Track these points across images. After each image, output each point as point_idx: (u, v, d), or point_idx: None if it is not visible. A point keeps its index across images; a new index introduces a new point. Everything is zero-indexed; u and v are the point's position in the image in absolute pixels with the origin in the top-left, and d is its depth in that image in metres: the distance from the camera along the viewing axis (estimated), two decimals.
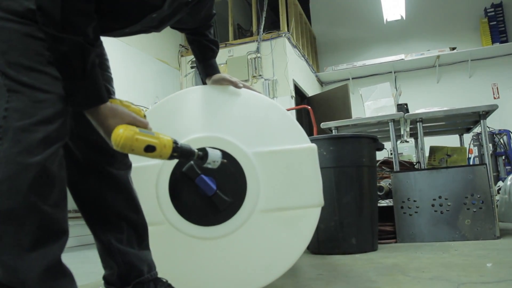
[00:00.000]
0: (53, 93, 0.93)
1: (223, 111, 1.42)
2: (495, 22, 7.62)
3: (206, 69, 1.53)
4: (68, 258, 3.11)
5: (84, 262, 2.88)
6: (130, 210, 1.19)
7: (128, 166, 1.22)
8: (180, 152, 1.00)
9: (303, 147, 1.35)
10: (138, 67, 5.85)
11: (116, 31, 1.17)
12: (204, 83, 1.56)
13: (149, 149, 0.95)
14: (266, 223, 1.32)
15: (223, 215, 1.31)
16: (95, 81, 0.95)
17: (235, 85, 1.48)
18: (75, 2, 0.91)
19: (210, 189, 1.29)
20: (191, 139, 1.35)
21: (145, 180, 1.35)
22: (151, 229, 1.37)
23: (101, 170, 1.16)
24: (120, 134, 0.92)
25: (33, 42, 0.93)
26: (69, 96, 0.95)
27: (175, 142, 0.99)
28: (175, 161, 1.33)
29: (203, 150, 1.05)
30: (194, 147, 1.34)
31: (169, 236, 1.34)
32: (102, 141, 1.00)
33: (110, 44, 5.11)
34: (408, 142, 5.94)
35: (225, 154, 1.32)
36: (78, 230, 4.34)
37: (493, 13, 7.67)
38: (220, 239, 1.32)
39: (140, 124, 0.97)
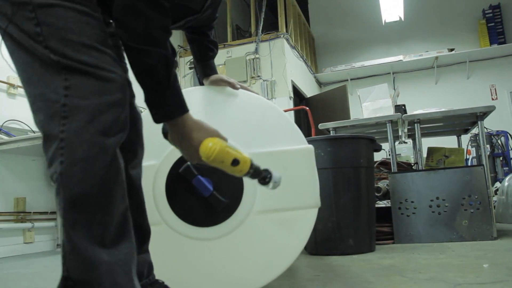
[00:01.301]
0: (118, 74, 0.91)
1: (220, 112, 1.43)
2: (493, 24, 7.64)
3: (204, 70, 1.53)
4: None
5: None
6: (138, 214, 1.17)
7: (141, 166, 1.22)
8: (254, 170, 1.04)
9: (300, 148, 1.36)
10: None
11: None
12: (201, 83, 1.56)
13: (235, 163, 0.99)
14: (263, 224, 1.32)
15: (220, 216, 1.31)
16: (178, 92, 0.97)
17: (233, 86, 1.48)
18: (156, 16, 0.92)
19: (206, 190, 1.29)
20: None
21: (142, 180, 1.35)
22: None
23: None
24: (213, 147, 0.96)
25: (92, 20, 0.91)
26: (153, 108, 0.96)
27: (251, 160, 1.04)
28: (172, 161, 1.33)
29: (267, 172, 1.08)
30: None
31: (166, 237, 1.35)
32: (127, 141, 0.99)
33: None
34: (406, 143, 5.95)
35: None
36: None
37: (491, 15, 7.69)
38: (217, 240, 1.32)
39: (223, 139, 1.01)
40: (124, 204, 0.88)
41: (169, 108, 0.96)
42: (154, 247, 1.37)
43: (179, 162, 1.33)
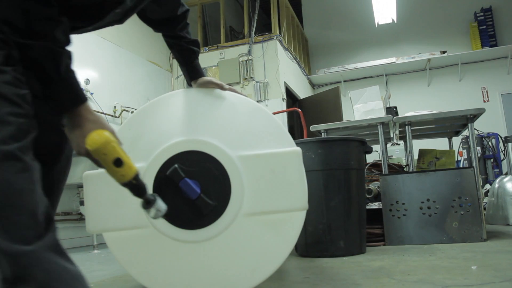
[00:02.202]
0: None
1: (208, 114, 1.42)
2: (484, 26, 7.70)
3: (190, 73, 1.53)
4: None
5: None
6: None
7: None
8: (137, 182, 0.99)
9: (288, 151, 1.35)
10: (129, 69, 5.83)
11: (80, 29, 1.16)
12: (190, 86, 1.56)
13: (118, 163, 0.94)
14: (250, 226, 1.32)
15: (207, 219, 1.30)
16: (71, 83, 0.95)
17: (221, 87, 1.48)
18: (36, 8, 0.91)
19: (194, 192, 1.28)
20: (176, 142, 1.34)
21: None
22: (135, 233, 1.37)
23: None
24: (101, 135, 0.92)
25: None
26: (49, 101, 0.95)
27: (139, 173, 0.99)
28: (160, 164, 1.33)
29: (153, 196, 1.04)
30: (179, 150, 1.34)
31: (153, 239, 1.34)
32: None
33: (102, 46, 5.11)
34: (399, 144, 5.98)
35: (209, 158, 1.32)
36: (69, 233, 4.32)
37: (482, 18, 7.76)
38: (204, 243, 1.32)
39: (118, 140, 0.98)
40: (42, 203, 0.88)
41: (63, 99, 0.95)
42: (142, 249, 1.37)
43: (167, 165, 1.32)
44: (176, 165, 1.30)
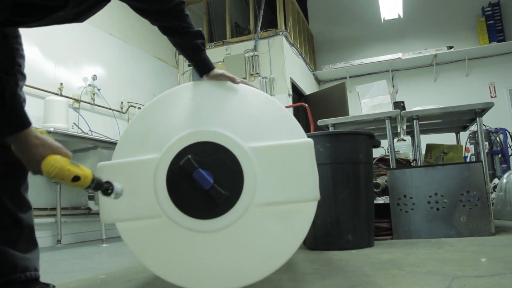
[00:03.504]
0: None
1: (220, 106, 1.43)
2: (492, 21, 7.65)
3: (200, 67, 1.52)
4: (65, 255, 3.13)
5: (81, 258, 2.89)
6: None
7: None
8: (96, 183, 1.10)
9: (300, 142, 1.36)
10: (136, 65, 5.86)
11: (23, 24, 1.18)
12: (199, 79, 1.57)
13: (75, 179, 1.04)
14: (262, 217, 1.33)
15: (220, 209, 1.31)
16: (15, 109, 0.99)
17: (233, 80, 1.49)
18: None
19: (207, 182, 1.29)
20: (188, 133, 1.36)
21: (143, 174, 1.36)
22: (148, 223, 1.38)
23: None
24: (54, 164, 1.01)
25: None
26: None
27: (93, 175, 1.09)
28: (173, 155, 1.34)
29: (109, 184, 1.16)
30: (192, 141, 1.36)
31: (166, 229, 1.35)
32: None
33: (109, 42, 5.15)
34: (405, 140, 5.98)
35: (222, 148, 1.33)
36: (77, 227, 4.36)
37: (490, 12, 7.71)
38: (217, 233, 1.33)
39: (66, 155, 1.05)
40: None
41: (6, 125, 0.99)
42: (155, 239, 1.39)
43: (180, 156, 1.33)
44: (189, 156, 1.31)
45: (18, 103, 1.00)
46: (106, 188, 1.14)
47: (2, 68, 0.97)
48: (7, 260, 1.16)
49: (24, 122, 1.00)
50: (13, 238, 1.19)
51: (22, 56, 1.32)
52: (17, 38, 1.29)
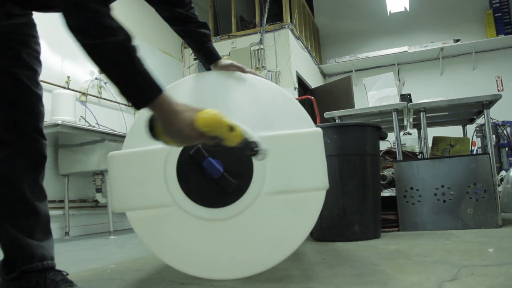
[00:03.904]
0: None
1: (230, 95, 1.44)
2: (500, 14, 7.58)
3: (207, 57, 1.54)
4: (75, 246, 3.18)
5: (90, 249, 2.92)
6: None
7: None
8: (246, 139, 1.07)
9: (309, 131, 1.37)
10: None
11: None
12: (208, 70, 1.58)
13: (232, 129, 1.03)
14: (271, 205, 1.35)
15: (230, 197, 1.33)
16: (147, 74, 0.96)
17: (242, 70, 1.50)
18: (99, 8, 0.92)
19: (217, 171, 1.31)
20: None
21: (154, 163, 1.38)
22: (159, 211, 1.40)
23: None
24: (209, 115, 0.99)
25: None
26: (130, 99, 0.96)
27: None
28: None
29: (256, 143, 1.11)
30: None
31: (177, 218, 1.37)
32: None
33: None
34: (411, 134, 5.96)
35: None
36: (85, 220, 4.40)
37: (498, 5, 7.63)
38: (226, 221, 1.35)
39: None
40: None
41: (142, 93, 0.95)
42: (166, 227, 1.40)
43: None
44: (199, 145, 1.33)
45: (146, 69, 0.96)
46: (253, 147, 1.11)
47: (125, 37, 0.94)
48: (24, 250, 1.18)
49: (158, 86, 0.97)
50: (30, 227, 1.21)
51: (39, 44, 1.34)
52: (35, 26, 1.32)
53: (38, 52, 1.32)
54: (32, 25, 1.30)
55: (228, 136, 1.02)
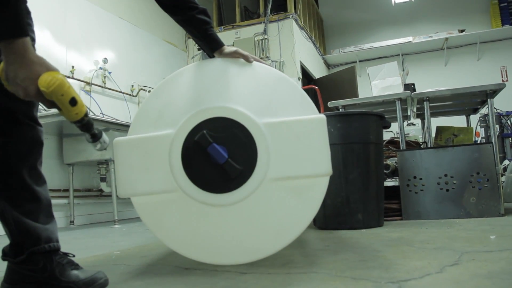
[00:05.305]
0: None
1: (234, 82, 1.45)
2: (505, 4, 7.52)
3: (210, 44, 1.54)
4: (80, 234, 3.22)
5: (95, 237, 2.96)
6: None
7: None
8: (88, 118, 1.08)
9: (313, 118, 1.38)
10: (146, 49, 5.87)
11: None
12: (212, 58, 1.58)
13: (73, 102, 1.01)
14: (275, 191, 1.36)
15: (234, 183, 1.34)
16: (17, 13, 0.93)
17: (246, 58, 1.50)
18: None
19: (221, 157, 1.32)
20: (203, 109, 1.38)
21: (159, 149, 1.39)
22: (163, 197, 1.42)
23: None
24: (56, 77, 0.96)
25: None
26: None
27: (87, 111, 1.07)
28: (188, 130, 1.37)
29: (99, 131, 1.14)
30: (207, 116, 1.38)
31: (181, 203, 1.39)
32: None
33: (119, 26, 5.17)
34: (414, 124, 5.95)
35: (236, 124, 1.36)
36: (90, 209, 4.43)
37: None
38: (231, 206, 1.36)
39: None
40: None
41: (4, 26, 0.92)
42: (171, 212, 1.42)
43: (195, 131, 1.36)
44: (204, 131, 1.34)
45: (22, 10, 0.94)
46: (94, 134, 1.12)
47: None
48: (31, 232, 1.20)
49: (24, 29, 0.94)
50: (34, 211, 1.22)
51: (33, 31, 1.34)
52: (29, 14, 1.32)
53: (33, 39, 1.32)
54: (27, 12, 1.30)
55: (66, 107, 1.00)
